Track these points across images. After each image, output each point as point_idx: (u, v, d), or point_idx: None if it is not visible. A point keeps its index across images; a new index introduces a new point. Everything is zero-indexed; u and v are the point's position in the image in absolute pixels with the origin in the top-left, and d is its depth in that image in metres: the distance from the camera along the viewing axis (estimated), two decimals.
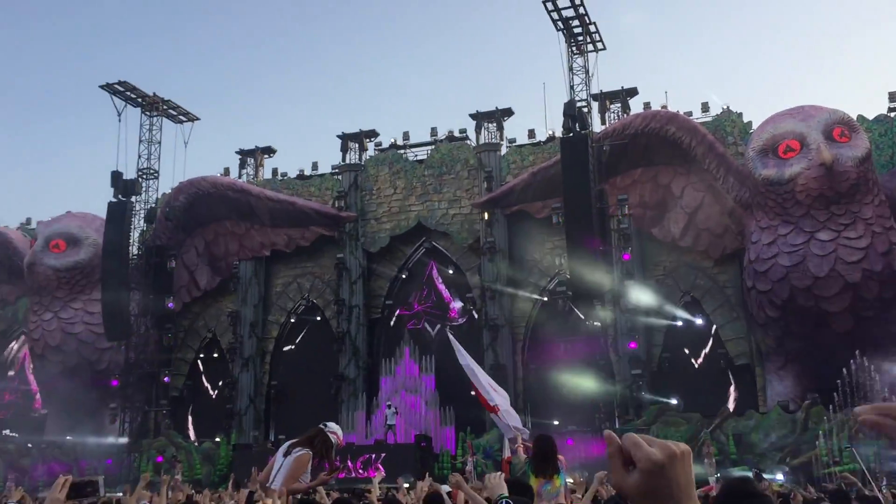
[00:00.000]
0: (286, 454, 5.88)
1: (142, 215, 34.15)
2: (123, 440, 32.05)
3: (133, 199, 33.63)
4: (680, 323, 29.37)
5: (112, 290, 32.15)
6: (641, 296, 28.34)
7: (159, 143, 34.58)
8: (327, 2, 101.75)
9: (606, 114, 30.89)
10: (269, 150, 36.64)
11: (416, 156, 34.16)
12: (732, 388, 28.97)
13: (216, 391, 35.54)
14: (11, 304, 38.54)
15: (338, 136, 34.43)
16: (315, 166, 35.52)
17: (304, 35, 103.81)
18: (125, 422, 32.48)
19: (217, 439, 31.89)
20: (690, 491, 1.48)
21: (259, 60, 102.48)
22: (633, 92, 31.30)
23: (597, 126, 29.55)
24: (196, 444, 31.99)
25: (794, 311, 25.28)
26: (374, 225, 33.34)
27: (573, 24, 28.39)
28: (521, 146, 32.73)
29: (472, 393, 12.09)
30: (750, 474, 19.53)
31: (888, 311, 24.67)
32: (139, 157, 34.19)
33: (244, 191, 34.09)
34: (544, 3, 27.44)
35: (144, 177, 34.18)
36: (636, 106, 30.88)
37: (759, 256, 25.94)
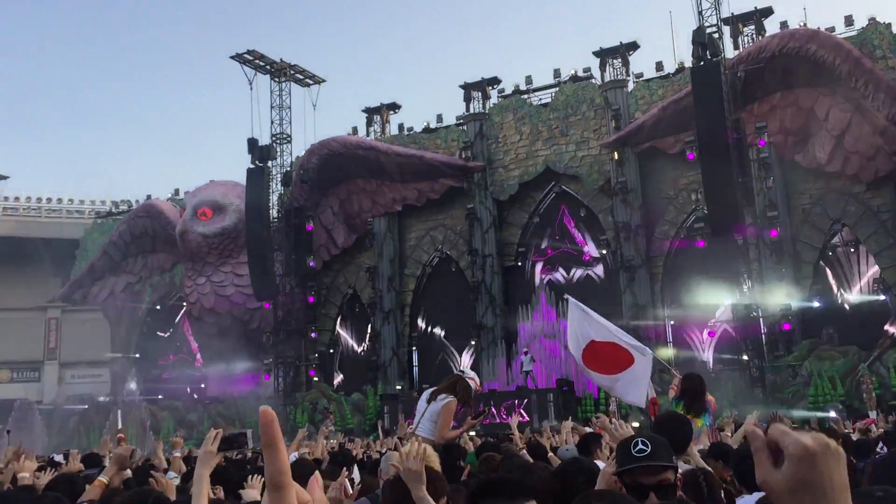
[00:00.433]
0: (429, 401, 5.97)
1: (279, 179, 35.42)
2: (278, 394, 33.81)
3: (269, 164, 34.90)
4: (830, 253, 27.85)
5: (257, 253, 33.72)
6: (787, 227, 27.00)
7: (289, 107, 35.64)
8: None
9: (739, 38, 29.22)
10: (394, 106, 37.02)
11: (541, 100, 33.61)
12: (892, 318, 27.25)
13: (361, 345, 36.80)
14: (168, 271, 41.18)
15: (460, 87, 34.33)
16: (440, 119, 35.64)
17: None
18: (278, 376, 34.20)
19: (365, 390, 33.12)
20: (846, 496, 1.28)
21: (378, 18, 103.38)
22: (767, 12, 29.41)
23: (729, 52, 28.03)
24: (344, 395, 33.32)
25: None
26: (502, 173, 33.20)
27: None
28: (648, 80, 31.55)
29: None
30: None
31: None
32: (272, 122, 35.36)
33: (373, 148, 34.70)
34: None
35: (278, 141, 35.35)
36: (772, 27, 29.05)
37: None
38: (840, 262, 28.13)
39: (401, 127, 36.33)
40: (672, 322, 29.78)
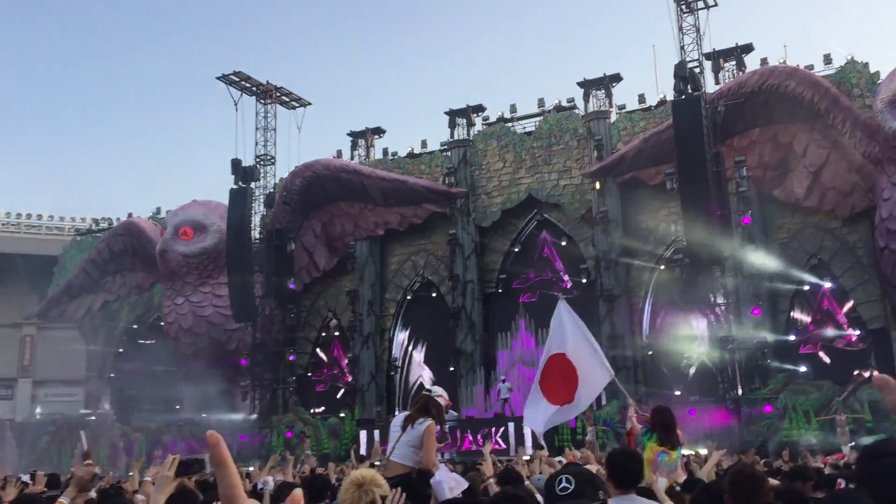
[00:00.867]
0: (403, 426, 5.94)
1: (261, 200, 35.39)
2: (254, 417, 33.53)
3: (252, 185, 34.86)
4: (807, 287, 28.14)
5: (237, 274, 33.57)
6: (764, 260, 27.30)
7: (274, 129, 35.68)
8: None
9: (720, 73, 29.66)
10: (379, 131, 37.18)
11: (524, 128, 33.90)
12: (867, 359, 27.51)
13: (338, 369, 36.61)
14: (147, 291, 40.86)
15: (445, 113, 34.57)
16: (424, 144, 35.84)
17: (406, 15, 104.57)
18: (255, 399, 33.94)
19: (342, 415, 32.94)
20: None
21: (365, 43, 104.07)
22: (748, 48, 29.92)
23: (710, 86, 28.45)
24: (321, 419, 33.11)
25: None
26: (484, 199, 33.38)
27: None
28: (631, 112, 31.94)
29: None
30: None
31: None
32: (256, 143, 35.40)
33: (356, 172, 34.79)
34: None
35: (262, 163, 35.37)
36: (752, 63, 29.55)
37: (892, 214, 24.48)
38: (815, 296, 28.37)
39: (385, 151, 36.50)
40: (650, 352, 29.90)
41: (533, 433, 25.48)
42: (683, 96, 26.89)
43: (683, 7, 27.81)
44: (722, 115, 27.35)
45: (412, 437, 5.68)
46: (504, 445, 25.96)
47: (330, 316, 36.84)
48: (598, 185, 30.75)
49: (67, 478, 8.73)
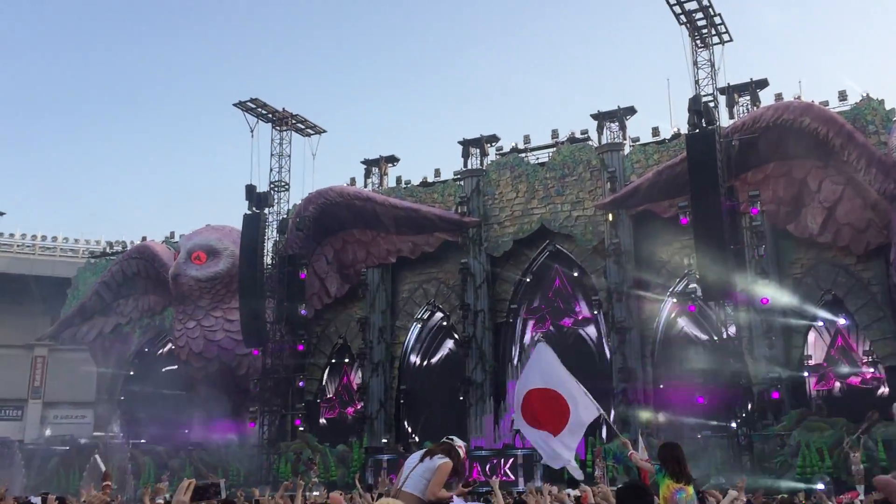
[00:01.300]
0: (421, 459, 5.93)
1: (275, 226, 35.53)
2: (262, 442, 33.38)
3: (266, 210, 35.05)
4: (821, 323, 27.93)
5: (249, 299, 33.65)
6: (778, 295, 27.14)
7: (289, 156, 35.92)
8: (445, 12, 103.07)
9: (735, 108, 29.75)
10: (393, 159, 37.39)
11: (538, 159, 34.01)
12: (881, 391, 27.21)
13: (346, 395, 36.49)
14: (158, 314, 40.99)
15: (459, 143, 34.75)
16: (437, 173, 35.99)
17: (423, 45, 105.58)
18: (263, 424, 33.82)
19: (350, 442, 32.77)
20: None
21: (380, 72, 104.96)
22: (763, 83, 30.01)
23: (724, 121, 28.52)
24: (329, 447, 32.94)
25: None
26: (497, 229, 33.42)
27: (697, 17, 27.54)
28: (644, 145, 32.02)
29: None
30: None
31: None
32: (271, 170, 35.62)
33: (370, 199, 34.92)
34: None
35: (276, 189, 35.57)
36: (767, 98, 29.62)
37: None
38: (829, 332, 28.14)
39: (398, 180, 36.65)
40: (661, 385, 29.68)
41: (545, 465, 25.29)
42: (698, 130, 26.93)
43: (698, 42, 27.96)
44: (736, 150, 27.34)
45: (427, 469, 5.66)
46: (513, 477, 25.76)
47: (340, 343, 36.81)
48: (610, 217, 30.75)
49: (81, 501, 8.71)
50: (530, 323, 33.27)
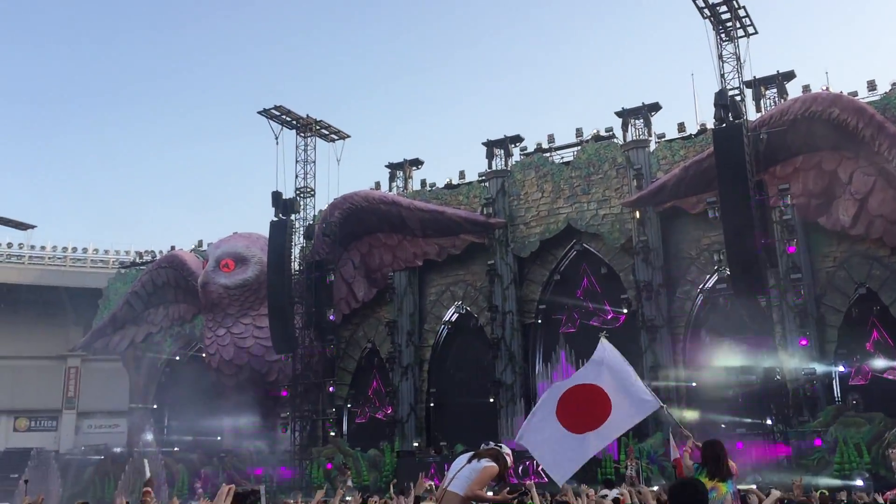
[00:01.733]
0: (469, 461, 5.94)
1: (301, 232, 35.69)
2: (294, 448, 33.51)
3: (293, 217, 35.20)
4: (855, 317, 27.46)
5: (277, 305, 33.81)
6: (810, 290, 26.74)
7: (314, 162, 36.06)
8: (465, 13, 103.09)
9: (762, 101, 29.38)
10: (417, 162, 37.40)
11: (563, 158, 33.81)
12: None
13: (377, 399, 36.54)
14: (189, 322, 41.33)
15: (483, 144, 34.67)
16: (462, 175, 35.92)
17: (443, 47, 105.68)
18: (295, 430, 33.94)
19: (381, 446, 32.81)
20: None
21: (402, 76, 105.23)
22: (790, 76, 29.62)
23: (751, 114, 28.16)
24: (361, 451, 32.99)
25: None
26: (523, 230, 33.28)
27: (721, 11, 27.25)
28: (670, 141, 31.72)
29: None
30: None
31: None
32: (296, 176, 35.78)
33: (395, 203, 34.96)
34: None
35: (302, 195, 35.72)
36: (794, 90, 29.22)
37: None
38: (864, 326, 27.68)
39: (423, 182, 36.65)
40: (693, 383, 29.36)
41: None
42: (724, 124, 26.63)
43: (723, 35, 27.65)
44: (764, 143, 26.98)
45: (473, 470, 5.66)
46: (546, 479, 25.60)
47: (369, 347, 36.88)
48: (637, 215, 30.51)
49: None
50: (559, 323, 33.04)
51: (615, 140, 32.71)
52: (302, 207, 35.74)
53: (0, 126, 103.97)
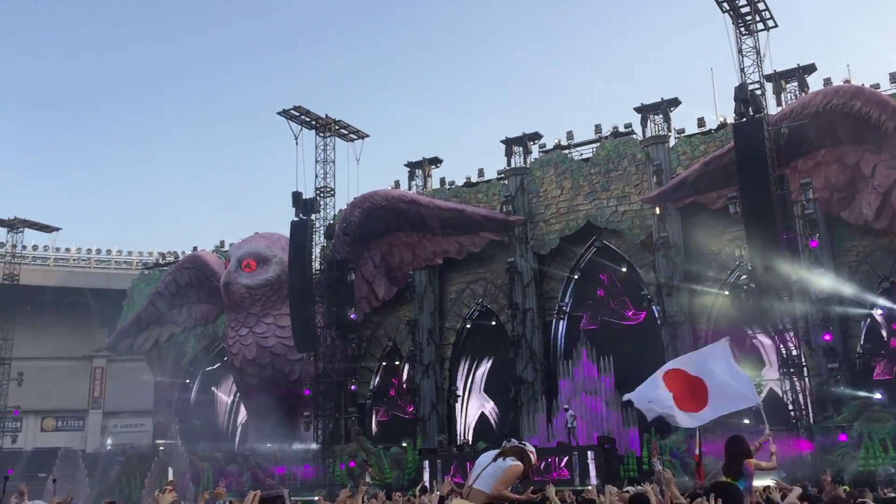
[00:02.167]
0: (494, 459, 5.97)
1: (322, 232, 35.86)
2: (317, 446, 33.73)
3: (313, 216, 35.38)
4: (880, 311, 27.24)
5: (299, 305, 34.01)
6: (834, 284, 26.51)
7: (333, 161, 36.20)
8: (483, 10, 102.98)
9: (782, 94, 29.18)
10: (436, 161, 37.47)
11: (582, 155, 33.75)
12: None
13: (399, 397, 36.69)
14: (212, 322, 41.69)
15: (501, 142, 34.69)
16: (481, 173, 35.96)
17: (461, 46, 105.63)
18: (318, 429, 34.16)
19: (404, 444, 32.95)
20: None
21: (420, 74, 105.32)
22: (810, 69, 29.39)
23: (772, 108, 27.97)
24: (383, 449, 33.14)
25: None
26: (542, 227, 33.27)
27: (740, 4, 27.06)
28: (690, 136, 31.57)
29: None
30: None
31: None
32: (316, 176, 35.95)
33: (414, 202, 35.05)
34: None
35: (322, 195, 35.88)
36: (815, 83, 28.98)
37: None
38: (889, 320, 27.42)
39: (442, 181, 36.71)
40: None
41: (600, 464, 25.10)
42: (745, 119, 26.46)
43: (742, 29, 27.47)
44: (785, 137, 26.77)
45: (498, 468, 5.71)
46: (568, 474, 25.62)
47: (390, 345, 37.02)
48: (658, 211, 30.40)
49: None
50: (580, 320, 33.00)
51: (634, 136, 32.60)
52: (322, 207, 35.91)
53: (26, 131, 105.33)
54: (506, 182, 34.41)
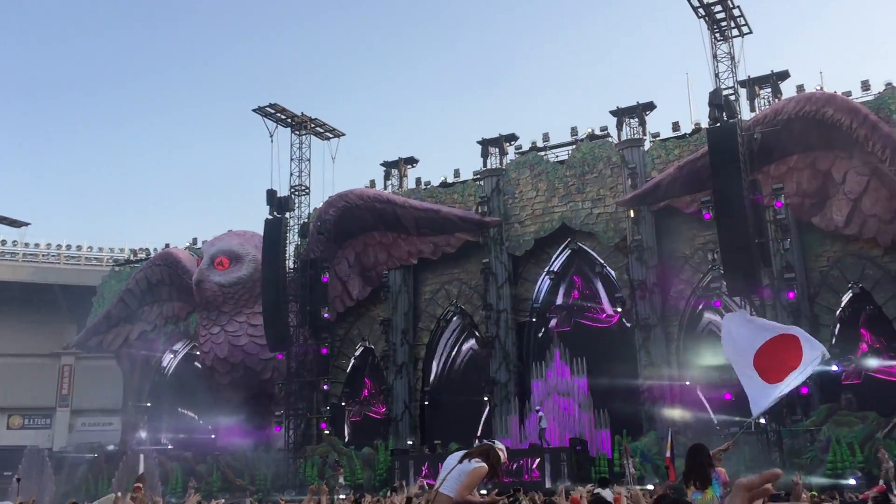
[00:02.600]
0: (460, 461, 5.87)
1: (296, 230, 35.63)
2: (289, 446, 33.46)
3: (287, 215, 35.14)
4: (848, 317, 27.54)
5: (272, 303, 33.74)
6: (803, 289, 26.77)
7: (308, 160, 36.01)
8: (461, 13, 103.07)
9: (756, 100, 29.47)
10: (412, 161, 37.39)
11: (557, 157, 33.88)
12: None
13: (371, 398, 36.53)
14: (183, 320, 41.24)
15: (478, 143, 34.69)
16: (457, 174, 35.94)
17: (438, 46, 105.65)
18: (289, 428, 33.90)
19: (376, 444, 32.80)
20: None
21: (397, 75, 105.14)
22: (784, 75, 29.72)
23: (745, 114, 28.24)
24: (355, 449, 32.97)
25: None
26: (518, 228, 33.31)
27: (715, 10, 27.29)
28: (665, 140, 31.79)
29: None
30: None
31: None
32: (291, 174, 35.73)
33: (390, 201, 34.94)
34: None
35: (297, 193, 35.66)
36: (788, 90, 29.32)
37: None
38: (857, 326, 27.75)
39: (418, 181, 36.64)
40: (687, 382, 29.42)
41: (571, 466, 25.15)
42: (719, 124, 26.67)
43: (717, 35, 27.69)
44: (758, 143, 27.05)
45: (462, 472, 5.61)
46: (538, 474, 25.65)
47: (363, 345, 36.86)
48: (632, 214, 30.56)
49: None
50: (552, 322, 33.08)
51: (610, 139, 32.76)
52: (297, 205, 35.69)
53: None
54: (481, 183, 34.42)
